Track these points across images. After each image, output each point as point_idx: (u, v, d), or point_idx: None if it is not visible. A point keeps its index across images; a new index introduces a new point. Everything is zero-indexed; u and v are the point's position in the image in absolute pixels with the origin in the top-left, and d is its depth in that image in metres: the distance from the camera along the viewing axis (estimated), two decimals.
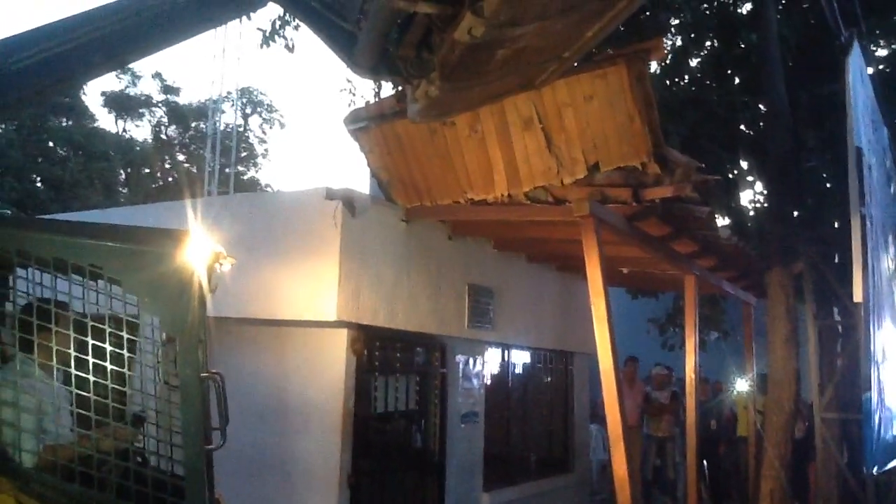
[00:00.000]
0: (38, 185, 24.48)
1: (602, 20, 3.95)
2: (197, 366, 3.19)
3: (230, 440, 6.84)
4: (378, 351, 6.76)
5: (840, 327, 8.70)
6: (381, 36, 4.21)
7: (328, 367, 6.42)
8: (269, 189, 27.91)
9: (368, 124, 6.12)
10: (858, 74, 6.74)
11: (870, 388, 6.29)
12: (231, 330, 7.00)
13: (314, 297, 6.11)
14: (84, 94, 26.63)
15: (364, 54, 4.41)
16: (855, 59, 6.67)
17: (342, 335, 6.37)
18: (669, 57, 10.04)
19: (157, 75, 28.49)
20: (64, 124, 25.79)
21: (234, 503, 6.72)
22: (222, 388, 3.35)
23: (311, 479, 6.38)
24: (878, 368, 6.62)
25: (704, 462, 9.96)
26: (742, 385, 9.90)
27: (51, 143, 24.78)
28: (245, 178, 27.26)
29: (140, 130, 28.58)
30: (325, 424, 6.34)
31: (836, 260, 8.62)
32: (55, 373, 3.48)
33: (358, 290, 6.22)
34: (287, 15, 9.33)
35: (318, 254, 6.16)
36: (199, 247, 3.29)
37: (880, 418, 6.57)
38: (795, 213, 8.16)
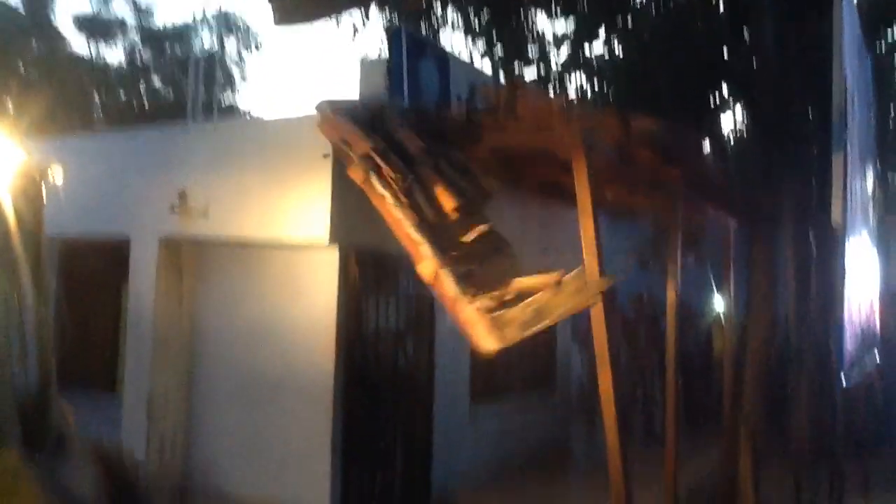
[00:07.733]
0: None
1: None
2: None
3: (222, 364, 6.99)
4: (370, 271, 6.88)
5: (815, 249, 8.95)
6: None
7: (321, 287, 6.58)
8: (248, 116, 27.48)
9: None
10: (846, 4, 6.79)
11: (843, 306, 6.64)
12: (225, 254, 7.10)
13: (307, 219, 6.20)
14: (54, 16, 25.82)
15: None
16: None
17: (334, 256, 6.51)
18: None
19: None
20: (34, 46, 25.05)
21: (228, 426, 6.99)
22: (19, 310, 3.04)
23: (304, 398, 6.60)
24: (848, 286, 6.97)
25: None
26: (719, 307, 10.15)
27: (22, 70, 24.16)
28: (224, 104, 26.73)
29: (114, 55, 27.74)
30: (318, 344, 6.52)
31: (814, 185, 8.82)
32: None
33: (350, 211, 6.29)
34: None
35: (309, 177, 6.22)
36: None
37: (849, 333, 6.96)
38: (779, 142, 8.27)
